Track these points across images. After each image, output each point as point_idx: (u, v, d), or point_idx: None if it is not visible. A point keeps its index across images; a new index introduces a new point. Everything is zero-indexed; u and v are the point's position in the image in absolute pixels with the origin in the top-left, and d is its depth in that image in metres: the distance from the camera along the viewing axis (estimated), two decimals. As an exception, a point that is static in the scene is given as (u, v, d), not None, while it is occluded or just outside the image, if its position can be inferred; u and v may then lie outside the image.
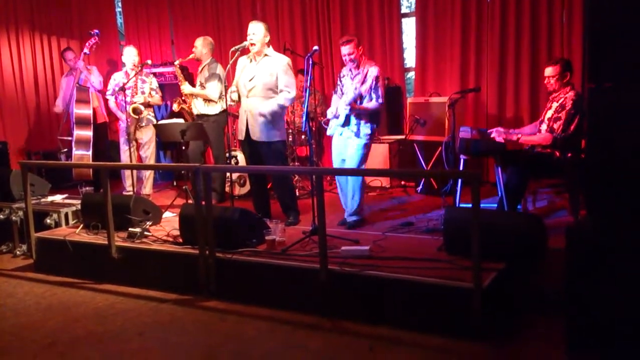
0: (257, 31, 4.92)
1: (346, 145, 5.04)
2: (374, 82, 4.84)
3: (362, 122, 4.93)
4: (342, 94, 5.09)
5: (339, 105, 4.99)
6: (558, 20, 6.09)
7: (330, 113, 5.09)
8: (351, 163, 4.97)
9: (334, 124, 5.07)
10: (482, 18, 6.48)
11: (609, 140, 2.57)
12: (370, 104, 4.89)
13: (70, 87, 7.18)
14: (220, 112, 6.25)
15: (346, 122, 4.94)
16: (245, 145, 5.14)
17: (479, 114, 6.65)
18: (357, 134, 4.95)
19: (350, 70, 5.04)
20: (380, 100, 4.91)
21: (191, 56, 6.29)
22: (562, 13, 6.06)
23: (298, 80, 5.86)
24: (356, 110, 4.85)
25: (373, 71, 4.86)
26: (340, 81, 5.17)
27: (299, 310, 3.58)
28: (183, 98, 6.40)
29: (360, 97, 4.85)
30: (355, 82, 4.91)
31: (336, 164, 5.19)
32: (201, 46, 6.28)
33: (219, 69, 6.27)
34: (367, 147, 5.00)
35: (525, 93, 6.33)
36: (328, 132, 5.22)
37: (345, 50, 4.92)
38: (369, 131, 4.95)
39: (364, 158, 5.01)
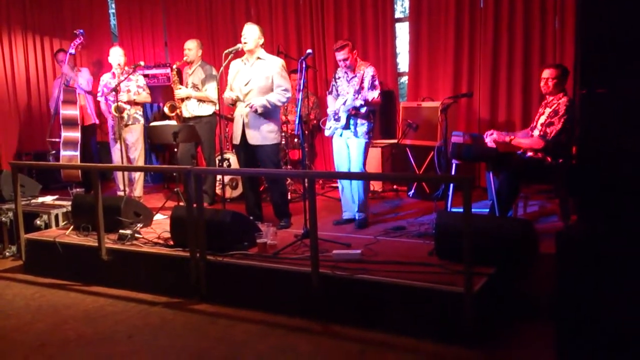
0: (250, 32, 4.96)
1: (347, 146, 5.13)
2: (371, 81, 4.91)
3: (359, 121, 5.01)
4: (338, 94, 5.16)
5: (339, 109, 5.05)
6: (551, 26, 6.12)
7: (329, 112, 5.19)
8: (355, 162, 5.07)
9: (332, 125, 5.13)
10: (475, 23, 6.50)
11: (600, 146, 2.58)
12: (370, 94, 4.87)
13: (58, 88, 7.14)
14: (212, 114, 6.26)
15: (347, 125, 5.02)
16: (240, 149, 5.12)
17: (472, 119, 6.67)
18: (356, 134, 5.04)
19: (346, 72, 5.10)
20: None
21: (185, 59, 6.29)
22: (554, 19, 6.09)
23: (291, 79, 5.87)
24: (361, 101, 4.86)
25: (369, 71, 4.94)
26: (335, 82, 5.23)
27: (290, 314, 3.57)
28: (173, 103, 6.33)
29: (358, 107, 4.91)
30: (352, 85, 4.97)
31: (338, 164, 5.28)
32: (195, 48, 6.30)
33: (214, 70, 6.32)
34: (367, 145, 5.10)
35: (518, 98, 6.35)
36: (326, 133, 5.30)
37: (340, 55, 4.99)
38: (365, 129, 5.03)
39: (365, 156, 5.10)
